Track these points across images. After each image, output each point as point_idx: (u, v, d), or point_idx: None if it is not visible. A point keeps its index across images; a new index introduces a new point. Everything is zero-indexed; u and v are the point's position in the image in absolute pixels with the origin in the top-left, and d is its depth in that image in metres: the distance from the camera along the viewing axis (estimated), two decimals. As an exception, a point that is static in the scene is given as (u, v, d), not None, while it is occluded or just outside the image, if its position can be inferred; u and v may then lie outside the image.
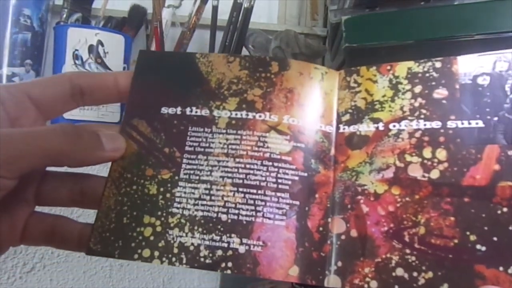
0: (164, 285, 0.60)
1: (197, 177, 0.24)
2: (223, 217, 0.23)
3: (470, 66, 0.24)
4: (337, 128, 0.25)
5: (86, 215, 0.53)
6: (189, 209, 0.23)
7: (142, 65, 0.27)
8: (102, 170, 0.28)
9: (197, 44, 0.71)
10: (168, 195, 0.24)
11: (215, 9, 0.65)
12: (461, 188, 0.22)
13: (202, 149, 0.24)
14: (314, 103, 0.26)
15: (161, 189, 0.24)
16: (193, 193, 0.23)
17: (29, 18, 0.58)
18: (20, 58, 0.58)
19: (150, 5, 0.65)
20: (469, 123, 0.23)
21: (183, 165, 0.24)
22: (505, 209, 0.21)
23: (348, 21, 0.47)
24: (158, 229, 0.23)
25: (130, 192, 0.24)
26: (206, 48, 0.66)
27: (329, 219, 0.23)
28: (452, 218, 0.21)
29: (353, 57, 0.47)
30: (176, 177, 0.24)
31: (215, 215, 0.23)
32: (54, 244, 0.25)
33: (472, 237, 0.21)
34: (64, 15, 0.61)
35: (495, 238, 0.20)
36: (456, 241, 0.21)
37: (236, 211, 0.23)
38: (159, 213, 0.23)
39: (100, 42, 0.56)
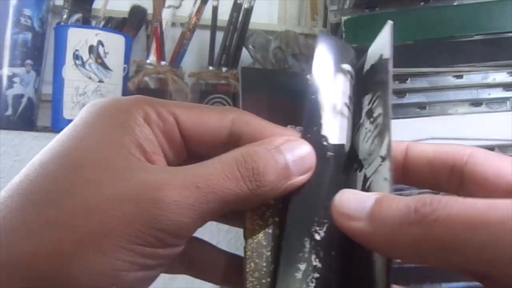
0: (164, 285, 0.60)
1: None
2: None
3: None
4: None
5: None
6: None
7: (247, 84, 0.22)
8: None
9: (197, 45, 0.71)
10: None
11: (215, 9, 0.65)
12: None
13: None
14: None
15: None
16: None
17: (29, 19, 0.58)
18: (20, 58, 0.58)
19: (150, 6, 0.65)
20: None
21: None
22: None
23: (348, 21, 0.47)
24: None
25: None
26: (206, 48, 0.66)
27: None
28: None
29: (353, 57, 0.46)
30: None
31: None
32: (193, 273, 0.21)
33: None
34: (65, 16, 0.61)
35: None
36: None
37: None
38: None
39: (100, 43, 0.56)
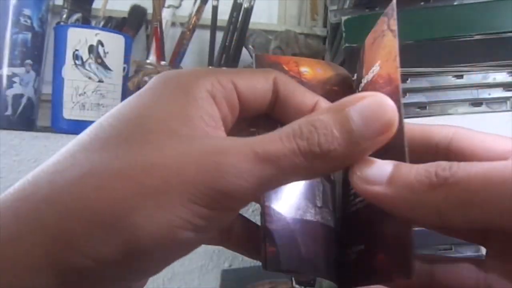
0: (164, 285, 0.60)
1: None
2: None
3: None
4: None
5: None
6: None
7: None
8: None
9: (197, 44, 0.71)
10: None
11: (215, 9, 0.65)
12: None
13: None
14: None
15: None
16: None
17: (29, 19, 0.58)
18: (20, 58, 0.58)
19: (150, 5, 0.65)
20: None
21: None
22: None
23: (348, 21, 0.47)
24: None
25: None
26: (206, 48, 0.66)
27: None
28: None
29: (353, 57, 0.46)
30: None
31: None
32: (228, 245, 0.22)
33: None
34: (64, 15, 0.61)
35: None
36: None
37: None
38: None
39: (100, 42, 0.56)
